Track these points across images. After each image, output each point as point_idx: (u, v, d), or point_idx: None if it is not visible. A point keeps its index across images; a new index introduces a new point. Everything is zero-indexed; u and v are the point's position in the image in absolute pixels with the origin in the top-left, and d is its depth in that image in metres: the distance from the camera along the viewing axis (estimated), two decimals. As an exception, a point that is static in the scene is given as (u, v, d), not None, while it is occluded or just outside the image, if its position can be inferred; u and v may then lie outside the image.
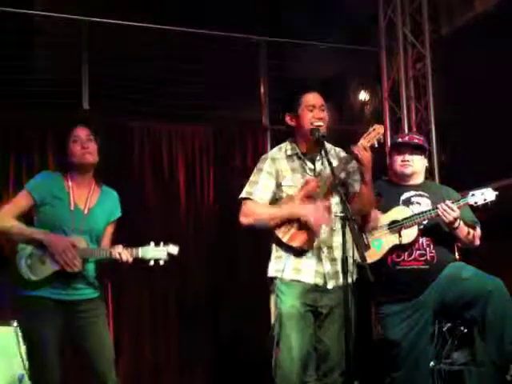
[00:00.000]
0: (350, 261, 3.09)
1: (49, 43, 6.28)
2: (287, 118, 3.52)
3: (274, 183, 3.46)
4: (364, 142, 3.41)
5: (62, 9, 6.10)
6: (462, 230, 3.81)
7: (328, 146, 3.50)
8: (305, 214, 3.33)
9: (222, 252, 6.07)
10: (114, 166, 5.73)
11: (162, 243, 3.46)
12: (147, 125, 6.21)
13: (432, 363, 4.22)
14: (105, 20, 6.15)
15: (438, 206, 3.74)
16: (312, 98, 3.47)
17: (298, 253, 3.38)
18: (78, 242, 3.37)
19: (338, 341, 3.31)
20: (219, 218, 6.10)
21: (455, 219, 3.73)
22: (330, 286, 3.36)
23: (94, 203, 3.52)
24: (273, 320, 3.43)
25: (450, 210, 3.71)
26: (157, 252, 3.43)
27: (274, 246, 3.47)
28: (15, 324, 4.09)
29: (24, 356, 3.98)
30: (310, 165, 3.49)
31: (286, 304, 3.36)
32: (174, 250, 3.47)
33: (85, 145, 3.46)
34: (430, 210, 3.82)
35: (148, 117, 6.17)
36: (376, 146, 3.45)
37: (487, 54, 5.70)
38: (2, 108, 5.51)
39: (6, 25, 5.70)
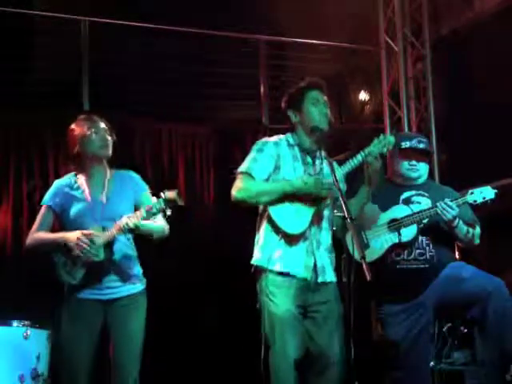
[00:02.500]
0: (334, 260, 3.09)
1: (49, 43, 6.27)
2: (291, 114, 3.53)
3: (272, 166, 3.42)
4: (373, 148, 3.37)
5: (62, 9, 6.10)
6: (461, 228, 3.81)
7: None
8: (300, 187, 3.30)
9: (222, 252, 6.06)
10: (114, 166, 5.75)
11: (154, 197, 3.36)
12: (147, 125, 6.21)
13: (432, 363, 4.22)
14: (105, 20, 6.16)
15: (437, 204, 3.74)
16: (316, 94, 3.49)
17: (291, 241, 3.32)
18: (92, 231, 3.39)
19: (332, 338, 3.31)
20: (219, 218, 6.10)
21: (454, 218, 3.73)
22: (320, 279, 3.35)
23: (111, 190, 3.53)
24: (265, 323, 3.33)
25: (449, 209, 3.71)
26: (155, 203, 3.28)
27: (263, 230, 3.41)
28: (15, 323, 4.08)
29: (24, 356, 3.99)
30: (309, 159, 3.49)
31: (280, 308, 3.28)
32: (170, 194, 3.27)
33: (104, 137, 3.51)
34: (429, 209, 3.81)
35: (148, 117, 6.17)
36: (384, 154, 3.46)
37: (487, 53, 5.70)
38: (1, 108, 5.51)
39: (6, 25, 5.70)
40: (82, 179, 3.56)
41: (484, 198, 3.74)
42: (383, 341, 3.98)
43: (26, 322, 4.10)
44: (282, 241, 3.34)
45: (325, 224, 3.43)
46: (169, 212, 3.29)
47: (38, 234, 3.54)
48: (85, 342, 3.42)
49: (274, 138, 3.54)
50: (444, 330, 4.58)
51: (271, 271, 3.33)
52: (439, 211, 3.73)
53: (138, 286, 3.55)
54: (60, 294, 3.50)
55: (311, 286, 3.34)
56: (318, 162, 3.51)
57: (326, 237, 3.42)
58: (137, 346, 3.47)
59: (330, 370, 3.32)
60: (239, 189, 3.39)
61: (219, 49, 6.40)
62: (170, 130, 6.26)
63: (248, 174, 3.40)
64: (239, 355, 5.31)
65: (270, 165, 3.42)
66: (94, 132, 3.50)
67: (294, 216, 3.33)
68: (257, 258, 3.40)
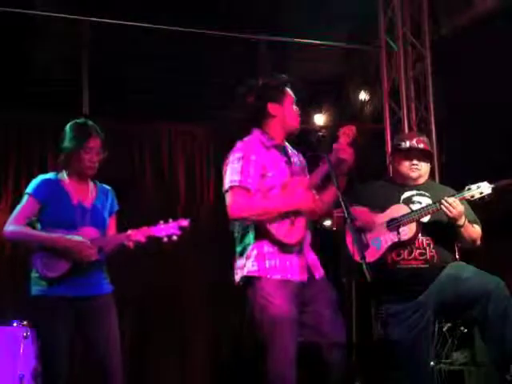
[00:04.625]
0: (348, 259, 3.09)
1: (49, 43, 6.28)
2: (270, 107, 3.43)
3: (259, 172, 3.30)
4: (342, 140, 3.39)
5: (62, 9, 6.10)
6: (467, 228, 3.81)
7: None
8: (299, 204, 3.26)
9: (222, 252, 6.06)
10: (114, 166, 5.75)
11: (170, 219, 3.52)
12: (147, 125, 6.21)
13: (432, 363, 4.22)
14: (105, 20, 6.16)
15: (442, 200, 3.73)
16: (293, 94, 3.49)
17: (288, 250, 3.27)
18: (90, 233, 3.42)
19: (334, 324, 3.30)
20: (219, 218, 6.09)
21: (460, 214, 3.72)
22: (317, 276, 3.35)
23: (94, 198, 3.57)
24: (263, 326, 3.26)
25: (455, 204, 3.70)
26: (168, 228, 3.49)
27: (256, 241, 3.28)
28: (15, 323, 4.08)
29: (24, 356, 3.98)
30: (284, 155, 3.44)
31: (278, 308, 3.21)
32: (184, 222, 3.52)
33: (94, 159, 3.50)
34: (428, 206, 3.81)
35: (148, 117, 6.17)
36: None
37: (487, 53, 5.70)
38: (1, 108, 5.51)
39: (6, 25, 5.70)
40: (66, 180, 3.54)
41: (481, 194, 3.74)
42: (383, 341, 3.98)
43: (26, 322, 4.11)
44: (278, 250, 3.27)
45: (309, 223, 3.40)
46: (175, 238, 3.54)
47: (24, 227, 3.44)
48: (62, 338, 3.36)
49: (250, 142, 3.40)
50: (444, 330, 4.59)
51: (268, 279, 3.25)
52: (444, 208, 3.72)
53: (110, 286, 3.59)
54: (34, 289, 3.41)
55: (307, 283, 3.33)
56: (293, 156, 3.48)
57: (309, 234, 3.41)
58: (118, 347, 3.48)
59: (335, 355, 3.28)
60: (239, 207, 3.24)
61: (219, 49, 6.40)
62: (170, 130, 6.26)
63: (246, 189, 3.25)
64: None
65: (256, 171, 3.30)
66: (86, 151, 3.48)
67: (289, 226, 3.28)
68: (250, 269, 3.27)
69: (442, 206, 3.73)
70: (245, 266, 3.28)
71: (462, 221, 3.75)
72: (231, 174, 3.28)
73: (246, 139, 3.44)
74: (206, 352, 5.91)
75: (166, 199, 6.08)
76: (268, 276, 3.24)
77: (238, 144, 3.42)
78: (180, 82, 6.10)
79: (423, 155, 4.01)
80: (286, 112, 3.44)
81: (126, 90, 5.97)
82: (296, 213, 3.28)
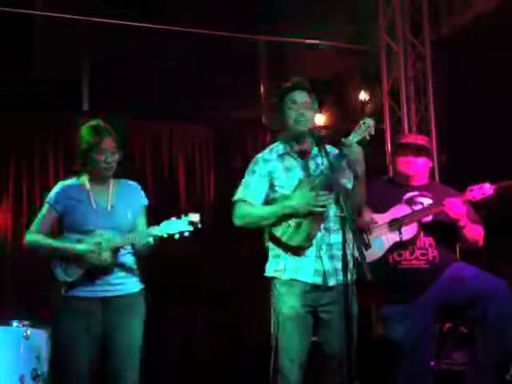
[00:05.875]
0: (350, 259, 3.08)
1: (49, 43, 6.28)
2: (277, 118, 3.49)
3: (266, 185, 3.43)
4: (352, 137, 3.36)
5: (62, 9, 6.10)
6: (470, 228, 3.81)
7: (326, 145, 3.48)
8: (297, 208, 3.29)
9: (222, 252, 6.06)
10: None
11: (182, 215, 3.41)
12: (147, 125, 6.21)
13: (432, 363, 4.22)
14: (105, 20, 6.16)
15: (444, 201, 3.74)
16: (294, 96, 3.44)
17: (297, 251, 3.35)
18: (104, 236, 3.39)
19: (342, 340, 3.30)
20: (219, 218, 6.09)
21: (462, 215, 3.72)
22: (330, 283, 3.35)
23: (115, 198, 3.53)
24: (273, 324, 3.38)
25: (457, 205, 3.71)
26: (179, 224, 3.37)
27: (270, 244, 3.45)
28: (15, 323, 4.08)
29: (24, 356, 3.98)
30: (302, 162, 3.44)
31: (285, 305, 3.33)
32: (195, 217, 3.38)
33: (109, 159, 3.46)
34: (428, 206, 3.82)
35: (148, 117, 6.17)
36: (368, 138, 3.40)
37: (487, 53, 5.70)
38: (1, 108, 5.51)
39: (6, 25, 5.70)
40: (86, 183, 3.53)
41: (483, 195, 3.75)
42: (384, 341, 3.98)
43: (26, 322, 4.10)
44: (288, 252, 3.37)
45: (331, 225, 3.38)
46: (187, 234, 3.38)
47: (42, 237, 3.47)
48: (83, 340, 3.35)
49: (265, 153, 3.52)
50: (444, 330, 4.59)
51: (279, 279, 3.38)
52: (447, 208, 3.72)
53: (140, 285, 3.54)
54: (57, 293, 3.44)
55: (321, 288, 3.35)
56: (316, 161, 3.46)
57: (335, 237, 3.36)
58: (137, 354, 3.43)
59: (341, 372, 3.29)
60: (239, 217, 3.46)
61: (219, 49, 6.40)
62: (170, 130, 6.26)
63: (243, 201, 3.44)
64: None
65: (263, 185, 3.43)
66: (100, 153, 3.44)
67: (294, 228, 3.35)
68: (268, 270, 3.45)
69: (444, 206, 3.73)
70: (266, 267, 3.48)
71: (464, 221, 3.76)
72: (241, 187, 3.51)
73: (264, 150, 3.57)
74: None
75: (166, 199, 6.07)
76: (279, 276, 3.37)
77: (257, 155, 3.56)
78: (180, 82, 6.09)
79: (420, 150, 4.01)
80: (286, 120, 3.44)
81: (126, 90, 5.96)
82: (303, 216, 3.32)
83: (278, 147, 3.51)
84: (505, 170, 3.92)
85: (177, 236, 3.38)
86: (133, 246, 3.49)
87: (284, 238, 3.35)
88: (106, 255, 3.36)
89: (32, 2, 6.60)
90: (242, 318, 5.89)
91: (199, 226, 3.37)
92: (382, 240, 3.85)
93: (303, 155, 3.45)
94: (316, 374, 3.40)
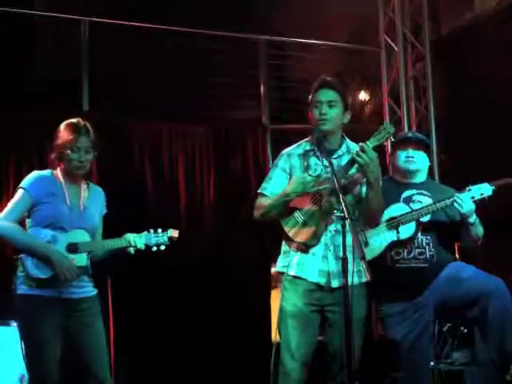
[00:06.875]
0: (351, 260, 3.08)
1: (49, 43, 6.27)
2: (309, 115, 3.56)
3: (287, 180, 3.47)
4: (370, 142, 3.36)
5: (62, 9, 6.10)
6: (476, 226, 3.82)
7: (350, 143, 3.54)
8: (293, 189, 3.33)
9: (222, 252, 6.06)
10: (114, 166, 5.75)
11: (159, 229, 3.54)
12: (147, 125, 6.20)
13: (432, 363, 4.21)
14: (105, 20, 6.15)
15: (455, 197, 3.73)
16: (319, 95, 3.49)
17: (305, 249, 3.40)
18: (80, 237, 3.40)
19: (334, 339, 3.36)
20: (219, 218, 6.10)
21: (471, 211, 3.73)
22: (334, 284, 3.36)
23: (86, 199, 3.53)
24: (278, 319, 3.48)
25: (468, 201, 3.71)
26: (158, 237, 3.51)
27: (283, 241, 3.52)
28: (14, 323, 4.08)
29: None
30: (325, 162, 3.44)
31: (288, 302, 3.42)
32: (174, 233, 3.55)
33: (82, 158, 3.44)
34: (428, 206, 3.82)
35: (148, 117, 6.17)
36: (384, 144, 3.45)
37: (487, 53, 5.70)
38: (1, 108, 5.51)
39: (6, 25, 5.70)
40: (62, 180, 3.48)
41: (482, 195, 3.75)
42: (383, 341, 3.98)
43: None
44: (297, 249, 3.43)
45: (338, 226, 3.34)
46: (163, 247, 3.52)
47: (15, 225, 3.36)
48: (50, 337, 3.31)
49: (291, 148, 3.59)
50: (444, 330, 4.58)
51: (288, 275, 3.45)
52: (457, 204, 3.72)
53: (95, 289, 3.56)
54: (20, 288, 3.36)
55: (325, 288, 3.38)
56: (339, 161, 3.48)
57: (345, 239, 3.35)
58: (106, 351, 3.48)
59: (342, 372, 3.32)
60: (255, 208, 3.54)
61: (219, 49, 6.40)
62: (170, 130, 6.25)
63: (262, 194, 3.53)
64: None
65: (283, 179, 3.49)
66: (74, 151, 3.41)
67: (301, 225, 3.40)
68: (278, 266, 3.54)
69: (455, 202, 3.73)
70: (277, 262, 3.57)
71: (473, 218, 3.76)
72: (264, 180, 3.59)
73: (293, 145, 3.64)
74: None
75: (166, 199, 6.07)
76: (285, 271, 3.46)
77: (284, 150, 3.63)
78: (180, 82, 6.09)
79: (418, 145, 4.02)
80: (311, 117, 3.52)
81: (125, 90, 5.95)
82: (309, 215, 3.36)
83: (306, 144, 3.56)
84: (505, 169, 3.92)
85: (154, 248, 3.50)
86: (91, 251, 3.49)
87: (291, 234, 3.42)
88: (71, 275, 3.32)
89: (32, 2, 6.60)
90: (242, 318, 5.87)
91: (174, 240, 3.54)
92: (380, 239, 3.85)
93: (327, 154, 3.45)
94: (319, 373, 3.42)
